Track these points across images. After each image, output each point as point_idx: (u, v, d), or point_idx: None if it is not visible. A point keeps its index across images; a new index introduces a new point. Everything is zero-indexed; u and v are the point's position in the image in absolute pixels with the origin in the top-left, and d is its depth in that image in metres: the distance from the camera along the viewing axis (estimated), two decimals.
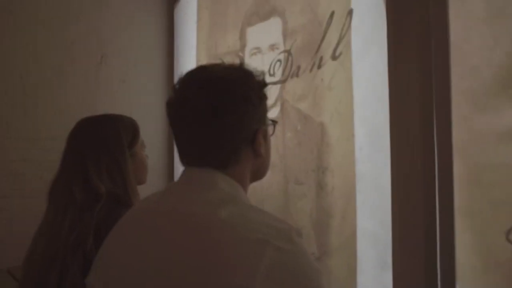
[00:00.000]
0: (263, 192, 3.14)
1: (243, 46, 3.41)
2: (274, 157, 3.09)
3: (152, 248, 0.84)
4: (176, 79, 3.20)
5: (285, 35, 3.09)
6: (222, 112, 0.91)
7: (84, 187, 1.19)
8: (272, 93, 3.16)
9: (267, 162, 1.03)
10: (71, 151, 1.29)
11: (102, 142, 1.26)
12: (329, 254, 2.75)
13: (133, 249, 0.86)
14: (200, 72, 0.98)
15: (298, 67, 2.98)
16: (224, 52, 3.56)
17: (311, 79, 2.90)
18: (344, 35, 2.70)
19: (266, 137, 1.01)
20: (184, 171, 1.00)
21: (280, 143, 3.08)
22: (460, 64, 2.15)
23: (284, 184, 3.04)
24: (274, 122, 1.09)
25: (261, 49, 3.27)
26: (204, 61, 3.78)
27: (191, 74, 0.97)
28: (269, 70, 3.17)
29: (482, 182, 2.08)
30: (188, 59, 3.99)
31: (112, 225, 0.93)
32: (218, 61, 3.62)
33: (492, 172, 2.04)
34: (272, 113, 3.15)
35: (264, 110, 1.01)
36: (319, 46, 2.85)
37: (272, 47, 3.18)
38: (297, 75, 2.98)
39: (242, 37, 3.43)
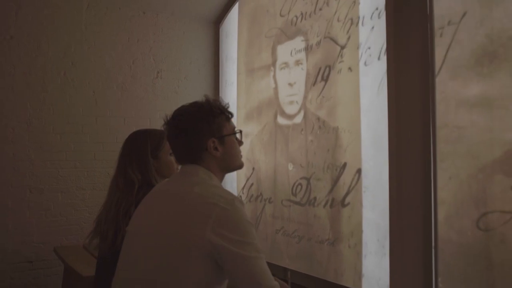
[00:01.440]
0: (295, 184, 3.66)
1: (274, 61, 3.94)
2: (300, 156, 3.60)
3: (152, 211, 1.41)
4: (221, 88, 3.87)
5: (307, 51, 3.58)
6: (180, 134, 1.44)
7: (124, 178, 1.79)
8: (296, 103, 3.67)
9: (229, 157, 1.49)
10: (120, 155, 1.89)
11: (134, 149, 1.86)
12: (341, 240, 3.22)
13: (144, 211, 1.45)
14: (176, 110, 1.50)
15: (315, 81, 3.46)
16: (259, 66, 4.11)
17: (327, 90, 3.37)
18: (353, 54, 3.16)
19: (222, 142, 1.47)
20: (181, 167, 1.53)
21: (303, 145, 3.58)
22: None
23: (307, 178, 3.54)
24: (239, 131, 1.57)
25: (289, 64, 3.78)
26: (243, 73, 4.34)
27: (174, 111, 1.50)
28: (293, 84, 3.68)
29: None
30: (230, 71, 4.57)
31: None
32: (252, 73, 4.18)
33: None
34: (297, 119, 3.66)
35: (217, 126, 1.46)
36: (334, 63, 3.32)
37: (297, 62, 3.69)
38: (315, 86, 3.46)
39: (273, 53, 3.95)
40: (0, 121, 3.61)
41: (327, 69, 3.38)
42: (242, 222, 1.27)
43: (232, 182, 4.47)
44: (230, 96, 4.53)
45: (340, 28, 3.27)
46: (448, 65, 2.52)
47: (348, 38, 3.21)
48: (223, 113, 1.49)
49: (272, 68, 3.96)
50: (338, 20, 3.31)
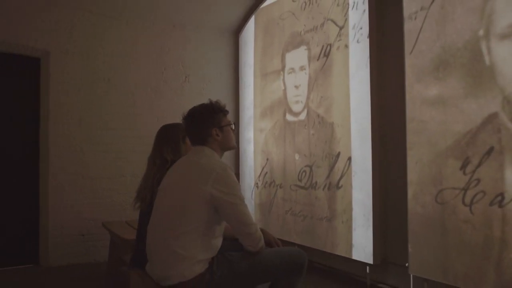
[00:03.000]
0: (300, 171, 4.30)
1: (283, 67, 4.60)
2: (304, 147, 4.24)
3: (174, 174, 2.14)
4: (240, 90, 4.67)
5: (309, 59, 4.22)
6: (194, 124, 2.12)
7: (160, 158, 2.48)
8: (301, 103, 4.32)
9: (225, 141, 2.17)
10: (155, 142, 2.60)
11: (169, 137, 2.55)
12: (336, 216, 3.84)
13: (169, 175, 2.15)
14: (190, 109, 2.18)
15: (316, 83, 4.10)
16: (271, 71, 4.77)
17: (324, 91, 4.00)
18: (344, 62, 3.78)
19: (221, 130, 2.14)
20: (193, 147, 2.19)
21: (306, 138, 4.22)
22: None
23: (310, 166, 4.17)
24: (233, 123, 2.24)
25: (295, 69, 4.42)
26: (258, 77, 5.01)
27: (189, 110, 2.18)
28: (298, 86, 4.32)
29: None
30: (248, 75, 5.24)
31: None
32: (266, 77, 4.83)
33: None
34: (302, 116, 4.31)
35: (218, 119, 2.13)
36: (334, 42, 3.91)
37: (302, 68, 4.32)
38: (316, 89, 4.10)
39: (283, 60, 4.61)
40: (57, 120, 4.41)
41: (328, 47, 3.98)
42: (231, 181, 1.95)
43: (250, 171, 5.15)
44: (248, 97, 5.21)
45: (339, 12, 3.87)
46: (413, 70, 3.11)
47: (345, 20, 3.81)
48: (222, 111, 2.18)
49: (281, 72, 4.62)
50: (337, 5, 3.90)
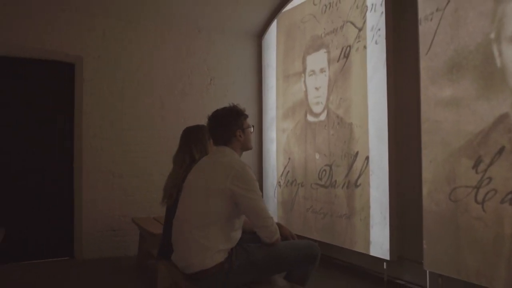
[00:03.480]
0: (321, 170, 4.44)
1: (304, 69, 4.74)
2: (324, 147, 4.37)
3: (198, 171, 2.31)
4: (263, 91, 4.92)
5: (329, 61, 4.35)
6: (219, 125, 2.30)
7: (190, 157, 2.68)
8: (321, 104, 4.45)
9: (246, 142, 2.35)
10: (182, 143, 2.80)
11: (196, 138, 2.75)
12: (354, 214, 3.96)
13: (194, 172, 2.33)
14: (214, 112, 2.36)
15: (335, 84, 4.22)
16: (293, 73, 4.92)
17: (343, 93, 4.13)
18: (362, 65, 3.90)
19: (244, 132, 2.31)
20: (216, 147, 2.37)
21: (326, 138, 4.35)
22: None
23: (330, 165, 4.31)
24: (252, 125, 2.41)
25: (315, 71, 4.56)
26: (280, 79, 5.17)
27: (213, 112, 2.35)
28: (319, 88, 4.46)
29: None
30: (270, 77, 5.40)
31: None
32: (288, 79, 4.98)
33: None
34: (322, 117, 4.44)
35: (241, 122, 2.31)
36: (353, 43, 4.03)
37: (322, 70, 4.46)
38: (335, 90, 4.23)
39: (304, 62, 4.75)
40: (91, 122, 4.69)
41: (348, 48, 4.10)
42: (249, 178, 2.12)
43: (273, 170, 5.31)
44: (271, 98, 5.38)
45: (358, 14, 3.98)
46: (428, 72, 3.21)
47: (364, 22, 3.93)
48: (243, 115, 2.35)
49: (302, 74, 4.76)
50: (356, 7, 4.02)
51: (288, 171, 4.99)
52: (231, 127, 2.31)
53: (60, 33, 4.56)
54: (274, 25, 5.34)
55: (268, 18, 5.42)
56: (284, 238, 2.37)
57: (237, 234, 2.21)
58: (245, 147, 2.36)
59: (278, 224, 2.31)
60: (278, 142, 5.18)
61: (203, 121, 3.13)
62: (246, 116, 2.37)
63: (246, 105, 5.30)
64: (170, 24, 5.09)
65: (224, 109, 2.38)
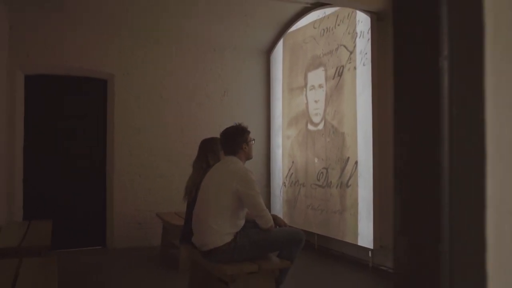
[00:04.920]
0: (319, 173, 5.12)
1: (305, 84, 5.42)
2: (322, 152, 5.05)
3: (212, 175, 3.02)
4: (271, 102, 5.66)
5: (326, 78, 5.02)
6: (229, 140, 3.00)
7: (206, 163, 3.38)
8: (319, 115, 5.13)
9: (249, 152, 3.04)
10: (199, 152, 3.50)
11: (212, 148, 3.45)
12: (345, 210, 4.63)
13: (209, 175, 3.03)
14: (225, 129, 3.06)
15: (331, 98, 4.89)
16: (296, 87, 5.60)
17: (337, 106, 4.79)
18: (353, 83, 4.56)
19: (248, 144, 3.00)
20: (225, 157, 3.07)
21: (323, 145, 5.02)
22: None
23: (326, 168, 4.98)
24: (253, 139, 3.11)
25: (315, 86, 5.24)
26: (286, 91, 5.85)
27: (223, 130, 3.06)
28: (317, 101, 5.14)
29: None
30: (277, 89, 6.09)
31: None
32: (292, 92, 5.67)
33: None
34: (320, 126, 5.12)
35: (245, 137, 3.00)
36: (345, 64, 4.71)
37: (320, 85, 5.14)
38: (331, 103, 4.90)
39: (305, 78, 5.43)
40: (120, 130, 5.44)
41: (341, 68, 4.77)
42: (249, 180, 2.82)
43: (279, 172, 6.00)
44: (277, 108, 6.07)
45: (350, 39, 4.66)
46: None
47: (354, 46, 4.60)
48: (246, 131, 3.05)
49: (304, 89, 5.45)
50: (348, 33, 4.68)
51: (292, 173, 5.67)
52: (238, 141, 3.01)
53: (94, 53, 5.33)
54: (280, 44, 6.03)
55: (275, 37, 6.11)
56: (278, 225, 3.06)
57: (241, 222, 2.92)
58: (248, 157, 3.06)
59: (274, 215, 3.01)
60: (284, 147, 5.86)
61: (218, 128, 3.83)
62: (248, 132, 3.07)
63: (256, 113, 6.12)
64: (188, 44, 5.82)
65: (233, 127, 3.09)
